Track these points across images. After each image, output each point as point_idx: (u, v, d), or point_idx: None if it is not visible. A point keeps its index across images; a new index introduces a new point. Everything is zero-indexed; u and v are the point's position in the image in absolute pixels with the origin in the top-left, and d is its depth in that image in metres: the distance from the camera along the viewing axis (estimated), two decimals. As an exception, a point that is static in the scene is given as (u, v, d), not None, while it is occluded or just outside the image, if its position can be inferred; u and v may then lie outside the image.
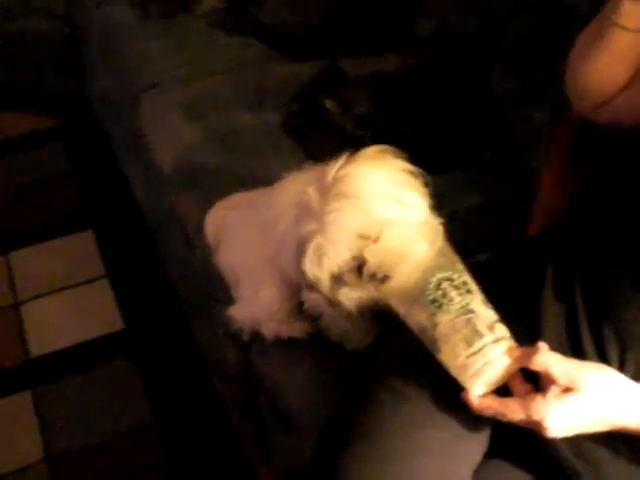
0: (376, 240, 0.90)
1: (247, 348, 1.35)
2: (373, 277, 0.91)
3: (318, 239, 0.90)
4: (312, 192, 0.92)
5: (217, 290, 1.41)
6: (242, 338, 1.31)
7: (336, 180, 0.92)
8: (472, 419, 0.91)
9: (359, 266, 0.91)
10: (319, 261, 0.91)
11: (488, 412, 0.86)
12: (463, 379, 0.87)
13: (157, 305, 2.01)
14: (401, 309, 0.92)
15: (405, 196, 0.93)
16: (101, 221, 2.19)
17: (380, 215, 0.90)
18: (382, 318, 1.04)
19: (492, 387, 0.88)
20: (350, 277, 0.92)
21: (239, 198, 1.38)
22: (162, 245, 2.00)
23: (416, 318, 0.90)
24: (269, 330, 1.28)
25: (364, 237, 0.90)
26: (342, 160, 0.95)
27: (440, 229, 0.93)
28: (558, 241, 1.06)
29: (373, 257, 0.90)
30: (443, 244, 0.92)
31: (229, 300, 1.32)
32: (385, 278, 0.91)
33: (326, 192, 0.92)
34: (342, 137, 1.57)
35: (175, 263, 1.90)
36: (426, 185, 0.95)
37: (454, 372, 0.88)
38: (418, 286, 0.89)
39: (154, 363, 1.88)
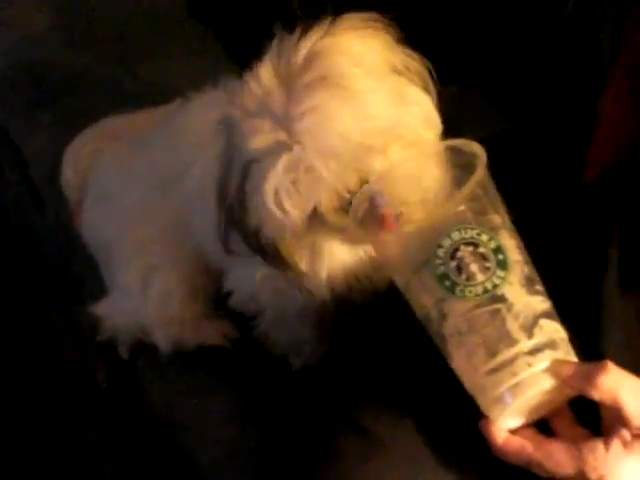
0: (382, 155, 0.78)
1: (128, 367, 1.14)
2: (371, 216, 0.78)
3: (293, 152, 0.75)
4: (267, 78, 0.78)
5: (80, 272, 1.21)
6: (118, 352, 1.12)
7: (309, 59, 0.78)
8: (490, 469, 0.80)
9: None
10: (295, 191, 0.77)
11: (518, 459, 0.74)
12: (483, 404, 0.75)
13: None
14: (399, 278, 0.79)
15: (410, 92, 0.80)
16: None
17: (382, 116, 0.78)
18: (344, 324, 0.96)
19: (527, 421, 0.76)
20: (335, 216, 0.79)
21: (116, 124, 1.20)
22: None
23: (419, 299, 0.78)
24: (165, 337, 1.08)
25: (367, 149, 0.77)
26: (315, 30, 0.80)
27: (483, 155, 0.77)
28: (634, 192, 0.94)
29: (379, 182, 0.78)
30: (481, 177, 0.78)
31: (98, 289, 1.12)
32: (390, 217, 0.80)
33: (293, 79, 0.78)
34: (284, 22, 1.43)
35: (13, 228, 1.59)
36: (436, 90, 0.83)
37: (471, 392, 0.76)
38: (423, 248, 0.77)
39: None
